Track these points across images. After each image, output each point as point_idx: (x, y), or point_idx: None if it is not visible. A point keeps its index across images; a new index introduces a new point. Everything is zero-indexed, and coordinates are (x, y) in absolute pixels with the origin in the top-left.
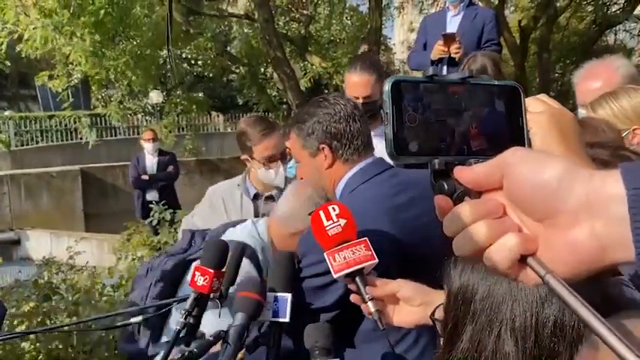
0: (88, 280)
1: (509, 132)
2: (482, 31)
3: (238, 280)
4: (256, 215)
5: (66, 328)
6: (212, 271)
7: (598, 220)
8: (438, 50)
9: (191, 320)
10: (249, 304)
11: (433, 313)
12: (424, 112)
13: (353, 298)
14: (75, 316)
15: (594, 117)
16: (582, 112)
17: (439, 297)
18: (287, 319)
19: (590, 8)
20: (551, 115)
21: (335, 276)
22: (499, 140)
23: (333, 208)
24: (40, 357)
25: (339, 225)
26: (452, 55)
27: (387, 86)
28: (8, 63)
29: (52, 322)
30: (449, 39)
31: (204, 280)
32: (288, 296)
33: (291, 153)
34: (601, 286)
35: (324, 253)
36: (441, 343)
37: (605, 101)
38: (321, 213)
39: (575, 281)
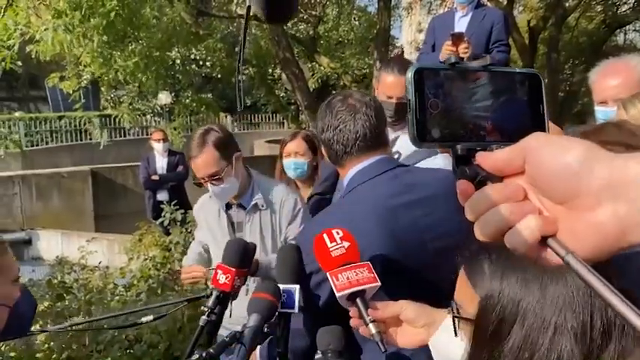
0: (100, 280)
1: (530, 118)
2: (491, 31)
3: None
4: (231, 224)
5: (81, 326)
6: (234, 269)
7: (620, 202)
8: (446, 50)
9: (213, 318)
10: (264, 305)
11: (458, 312)
12: (446, 99)
13: (353, 322)
14: (88, 316)
15: (628, 120)
16: (600, 108)
17: (442, 317)
18: (296, 310)
19: (599, 8)
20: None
21: (337, 295)
22: (520, 127)
23: (337, 232)
24: (54, 356)
25: (343, 247)
26: (460, 55)
27: (409, 74)
28: (20, 64)
29: (66, 321)
30: (457, 39)
31: (226, 279)
32: (296, 287)
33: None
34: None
35: (327, 273)
36: (472, 344)
37: (638, 100)
38: (325, 236)
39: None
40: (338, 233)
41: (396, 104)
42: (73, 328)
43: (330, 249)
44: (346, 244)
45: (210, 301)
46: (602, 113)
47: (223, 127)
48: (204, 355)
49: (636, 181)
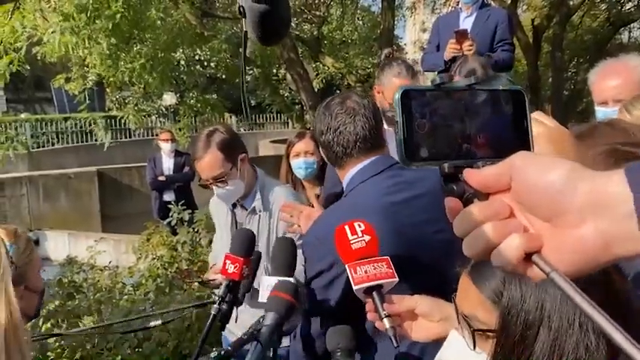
0: (109, 280)
1: (515, 135)
2: (496, 31)
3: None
4: (235, 224)
5: (89, 330)
6: (241, 258)
7: (602, 217)
8: (450, 49)
9: (224, 306)
10: (282, 304)
11: (469, 325)
12: (433, 118)
13: (369, 315)
14: (97, 315)
15: (623, 119)
16: (600, 109)
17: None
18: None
19: (603, 6)
20: (548, 137)
21: (355, 288)
22: (505, 144)
23: (358, 224)
24: (65, 354)
25: (364, 240)
26: (464, 53)
27: (397, 95)
28: (28, 67)
29: (76, 320)
30: (461, 36)
31: (234, 268)
32: (291, 279)
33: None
34: (609, 287)
35: (346, 265)
36: (495, 354)
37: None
38: (347, 227)
39: (581, 278)
40: (360, 226)
41: None
42: (87, 329)
43: (351, 241)
44: (367, 237)
45: (221, 290)
46: (603, 113)
47: (229, 127)
48: (222, 352)
49: (616, 196)
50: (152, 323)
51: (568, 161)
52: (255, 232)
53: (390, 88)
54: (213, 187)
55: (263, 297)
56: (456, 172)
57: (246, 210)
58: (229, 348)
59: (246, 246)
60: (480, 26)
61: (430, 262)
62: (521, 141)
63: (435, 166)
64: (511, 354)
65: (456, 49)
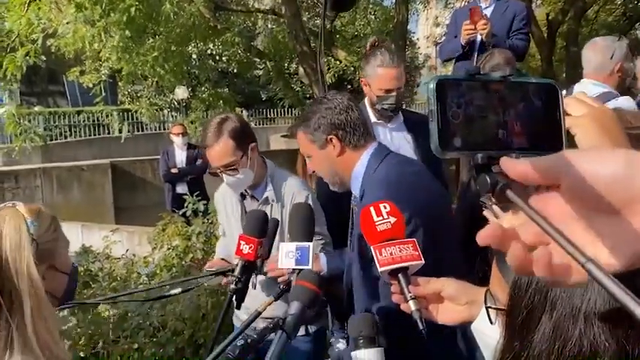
0: (124, 269)
1: (548, 129)
2: (513, 22)
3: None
4: (245, 214)
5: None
6: (255, 239)
7: None
8: (465, 30)
9: (240, 286)
10: (307, 293)
11: (494, 302)
12: (467, 109)
13: (395, 297)
14: (113, 304)
15: (622, 109)
16: None
17: (483, 295)
18: (310, 266)
19: (619, 1)
20: (593, 118)
21: (380, 270)
22: (538, 136)
23: (384, 205)
24: (82, 341)
25: (389, 222)
26: (479, 32)
27: (432, 84)
28: (44, 58)
29: (91, 308)
30: (475, 14)
31: (249, 249)
32: (310, 245)
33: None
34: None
35: (371, 247)
36: (505, 334)
37: None
38: (372, 209)
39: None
40: (385, 207)
41: (397, 95)
42: (111, 299)
43: (376, 223)
44: (392, 219)
45: (237, 271)
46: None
47: (240, 116)
48: (248, 340)
49: None
50: (172, 291)
51: (621, 151)
52: None
53: (375, 78)
54: (223, 176)
55: (282, 263)
56: (489, 163)
57: (257, 200)
58: (255, 336)
59: (259, 226)
60: (498, 17)
61: (445, 224)
62: (554, 134)
63: (468, 156)
64: (514, 336)
65: (470, 29)
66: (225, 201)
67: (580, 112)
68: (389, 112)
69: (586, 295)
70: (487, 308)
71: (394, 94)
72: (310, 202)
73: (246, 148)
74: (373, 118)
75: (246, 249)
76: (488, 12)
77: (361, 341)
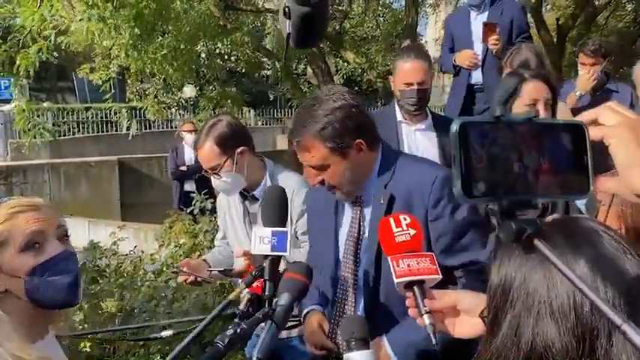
0: (131, 266)
1: (574, 170)
2: (512, 25)
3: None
4: (248, 215)
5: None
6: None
7: None
8: (466, 58)
9: (244, 326)
10: (296, 285)
11: (482, 312)
12: (491, 151)
13: (410, 311)
14: (120, 300)
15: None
16: None
17: None
18: (287, 253)
19: (630, 7)
20: (629, 127)
21: (395, 281)
22: (564, 179)
23: (404, 217)
24: (89, 336)
25: (408, 234)
26: (490, 47)
27: (454, 128)
28: (56, 54)
29: (99, 303)
30: (489, 29)
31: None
32: (287, 230)
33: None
34: None
35: (388, 257)
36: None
37: None
38: (391, 220)
39: None
40: (405, 219)
41: (418, 90)
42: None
43: (395, 234)
44: (412, 231)
45: (242, 305)
46: None
47: (233, 120)
48: (238, 330)
49: None
50: (162, 334)
51: None
52: None
53: (397, 73)
54: (212, 178)
55: (255, 248)
56: (513, 209)
57: (258, 200)
58: (244, 327)
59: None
60: (496, 21)
61: None
62: (580, 176)
63: (492, 202)
64: (489, 334)
65: (473, 62)
66: (229, 202)
67: (614, 122)
68: (412, 109)
69: (541, 295)
70: (481, 317)
71: (415, 87)
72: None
73: (232, 152)
74: (399, 117)
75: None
76: (482, 18)
77: (353, 343)
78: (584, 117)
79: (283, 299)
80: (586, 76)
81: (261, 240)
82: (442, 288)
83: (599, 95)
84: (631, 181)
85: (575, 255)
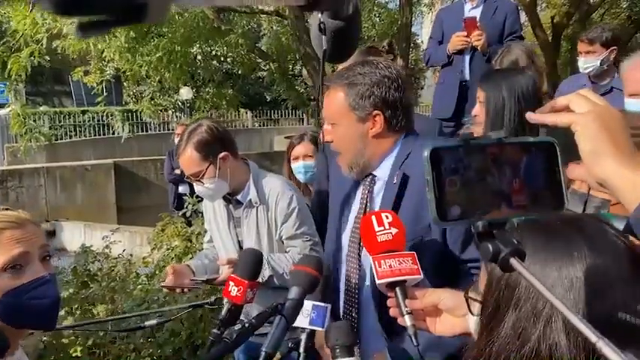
0: (123, 269)
1: (548, 187)
2: (505, 23)
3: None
4: (232, 219)
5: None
6: (246, 282)
7: None
8: (457, 41)
9: (224, 331)
10: (306, 278)
11: (467, 292)
12: (463, 174)
13: (391, 311)
14: (111, 304)
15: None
16: (632, 101)
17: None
18: (323, 328)
19: (624, 4)
20: (597, 115)
21: (377, 282)
22: (538, 195)
23: (386, 215)
24: (79, 341)
25: (390, 233)
26: (474, 44)
27: (425, 153)
28: (48, 58)
29: (90, 307)
30: (470, 24)
31: (237, 291)
32: (328, 306)
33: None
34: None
35: (370, 257)
36: (478, 329)
37: None
38: (373, 218)
39: None
40: (387, 217)
41: None
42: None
43: (377, 233)
44: (394, 230)
45: (222, 313)
46: (634, 105)
47: (214, 125)
48: (246, 325)
49: None
50: (147, 323)
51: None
52: (254, 227)
53: None
54: (194, 184)
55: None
56: (491, 230)
57: (241, 204)
58: (253, 321)
59: (252, 268)
60: (489, 18)
61: None
62: (555, 192)
63: (467, 225)
64: (484, 329)
65: (464, 41)
66: (214, 206)
67: (583, 109)
68: None
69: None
70: (465, 297)
71: None
72: (295, 202)
73: (214, 158)
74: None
75: (234, 291)
76: (476, 13)
77: (338, 351)
78: (558, 102)
79: (293, 293)
80: (583, 66)
81: (300, 312)
82: (456, 283)
83: (601, 92)
84: (592, 169)
85: (572, 259)
